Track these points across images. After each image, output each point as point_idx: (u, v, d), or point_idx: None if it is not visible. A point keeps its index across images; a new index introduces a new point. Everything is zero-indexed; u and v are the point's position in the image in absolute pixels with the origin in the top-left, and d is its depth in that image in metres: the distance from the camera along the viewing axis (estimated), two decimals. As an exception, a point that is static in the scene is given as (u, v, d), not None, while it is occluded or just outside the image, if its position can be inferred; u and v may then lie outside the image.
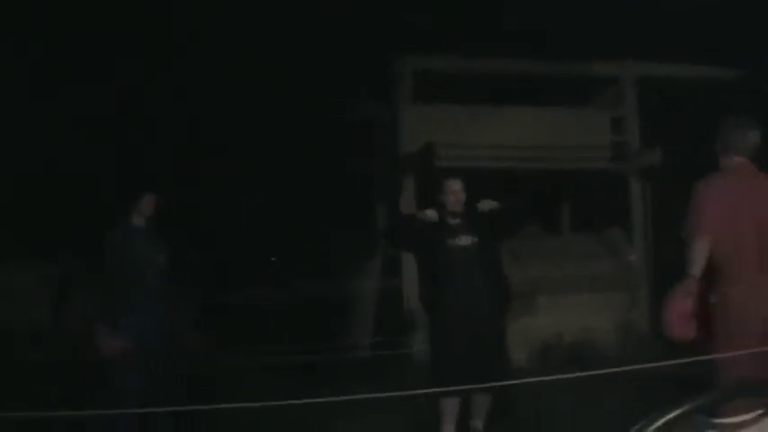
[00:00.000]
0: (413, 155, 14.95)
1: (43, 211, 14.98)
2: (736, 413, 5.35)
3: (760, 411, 5.24)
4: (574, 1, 15.90)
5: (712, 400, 3.74)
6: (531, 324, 13.88)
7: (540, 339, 14.09)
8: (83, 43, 15.13)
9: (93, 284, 7.76)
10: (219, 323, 13.54)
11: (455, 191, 7.98)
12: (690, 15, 15.22)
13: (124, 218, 7.66)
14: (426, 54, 15.52)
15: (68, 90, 15.35)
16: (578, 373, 5.94)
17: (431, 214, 8.10)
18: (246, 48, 15.94)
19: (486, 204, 8.06)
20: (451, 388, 7.19)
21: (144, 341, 7.33)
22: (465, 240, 7.91)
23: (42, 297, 13.55)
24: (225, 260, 16.70)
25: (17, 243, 14.07)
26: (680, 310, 5.69)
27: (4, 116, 14.44)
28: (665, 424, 3.45)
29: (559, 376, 5.64)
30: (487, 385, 7.41)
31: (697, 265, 5.74)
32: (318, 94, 16.16)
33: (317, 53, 16.14)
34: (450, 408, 7.80)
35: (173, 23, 15.73)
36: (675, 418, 3.43)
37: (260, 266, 16.68)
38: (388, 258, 15.04)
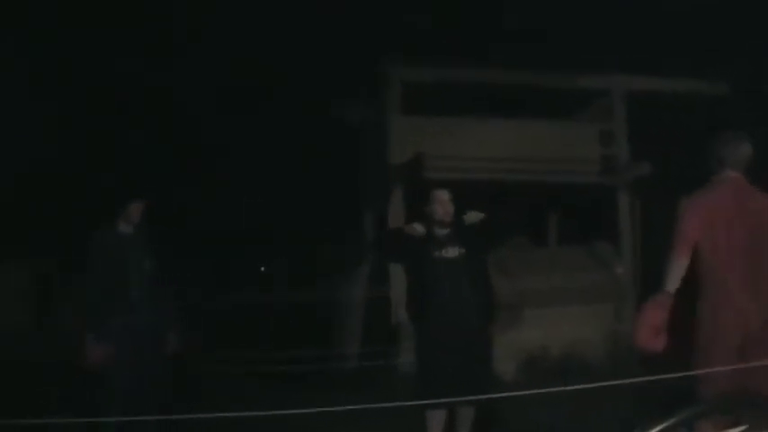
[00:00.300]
0: (402, 165, 14.94)
1: (29, 214, 14.92)
2: (718, 428, 5.33)
3: (743, 427, 5.21)
4: (564, 14, 15.90)
5: (695, 414, 3.72)
6: (519, 336, 13.85)
7: (528, 352, 14.06)
8: (78, 44, 15.10)
9: (79, 290, 7.71)
10: (206, 330, 13.50)
11: (443, 201, 7.91)
12: (679, 28, 15.24)
13: (110, 224, 7.62)
14: (415, 64, 15.51)
15: (64, 93, 15.31)
16: (566, 387, 5.92)
17: (418, 228, 8.02)
18: (236, 58, 15.92)
19: (473, 216, 8.01)
20: (438, 401, 7.16)
21: (129, 347, 7.30)
22: (452, 252, 7.83)
23: (28, 300, 13.52)
24: (212, 267, 16.65)
25: (5, 245, 14.03)
26: (651, 323, 5.72)
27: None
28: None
29: (547, 390, 5.62)
30: (474, 398, 7.24)
31: (673, 281, 5.77)
32: (307, 102, 16.13)
33: (306, 61, 16.11)
34: (437, 420, 7.73)
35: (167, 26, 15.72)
36: (661, 432, 3.40)
37: (247, 274, 16.62)
38: (375, 267, 15.01)
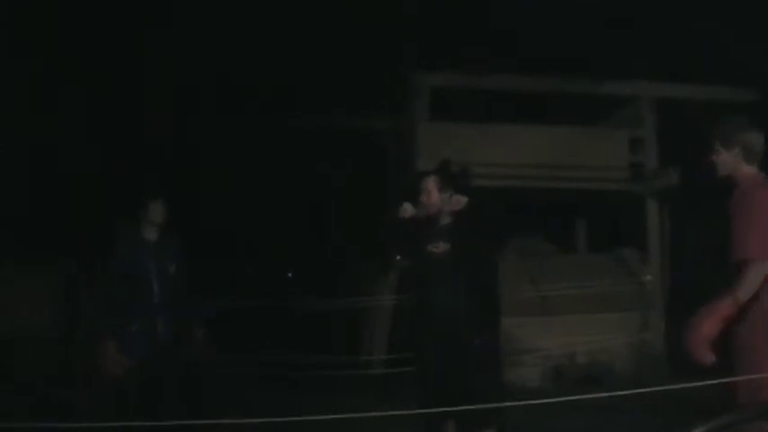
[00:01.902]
0: (429, 172, 14.92)
1: (50, 216, 14.98)
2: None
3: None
4: (595, 21, 15.86)
5: (722, 424, 3.66)
6: (545, 343, 13.84)
7: (554, 359, 14.03)
8: (84, 44, 15.17)
9: (100, 295, 7.73)
10: (230, 334, 13.52)
11: (425, 189, 7.24)
12: (709, 35, 15.17)
13: (134, 227, 7.63)
14: (443, 71, 15.50)
15: (87, 93, 15.38)
16: (591, 395, 5.86)
17: (408, 209, 7.33)
18: (260, 59, 15.94)
19: (455, 202, 7.22)
20: (450, 409, 6.24)
21: (151, 351, 7.31)
22: (440, 247, 7.06)
23: (49, 304, 13.56)
24: (237, 272, 16.69)
25: (24, 248, 14.09)
26: (706, 334, 5.48)
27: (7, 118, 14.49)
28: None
29: (572, 397, 5.55)
30: (501, 405, 6.59)
31: (750, 290, 5.48)
32: (335, 108, 16.14)
33: (333, 67, 16.13)
34: None
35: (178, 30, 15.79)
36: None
37: (273, 279, 16.65)
38: (403, 273, 14.98)
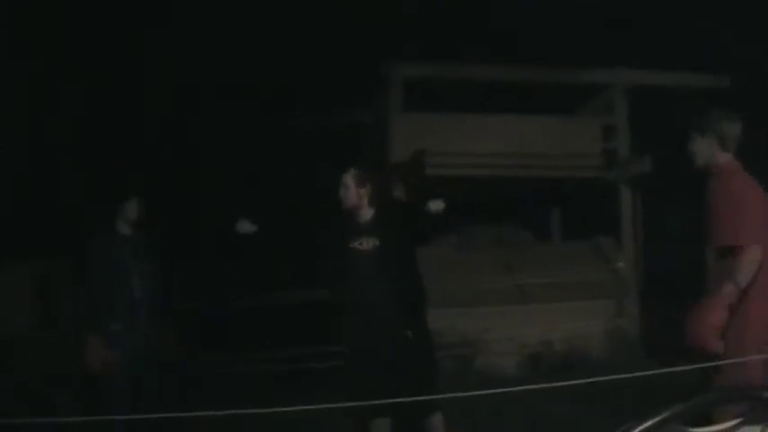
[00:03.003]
0: (402, 162, 14.95)
1: (28, 213, 14.93)
2: (713, 421, 5.26)
3: (738, 420, 5.16)
4: (566, 9, 15.91)
5: (689, 407, 3.69)
6: (522, 332, 13.91)
7: (530, 346, 14.11)
8: (76, 42, 15.12)
9: (80, 292, 7.72)
10: (206, 330, 13.53)
11: (342, 185, 7.03)
12: (681, 23, 15.25)
13: (110, 225, 7.62)
14: (415, 61, 15.52)
15: (60, 92, 15.33)
16: (566, 382, 5.91)
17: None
18: (236, 53, 15.93)
19: (435, 205, 6.95)
20: (437, 397, 6.32)
21: (131, 348, 7.32)
22: (366, 244, 6.91)
23: (28, 302, 13.52)
24: (218, 266, 16.66)
25: (5, 247, 14.04)
26: (715, 323, 5.48)
27: None
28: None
29: (547, 384, 5.60)
30: (486, 392, 6.42)
31: (748, 276, 5.41)
32: (308, 100, 16.13)
33: (306, 59, 16.13)
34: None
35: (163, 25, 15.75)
36: (653, 426, 3.39)
37: (253, 273, 16.61)
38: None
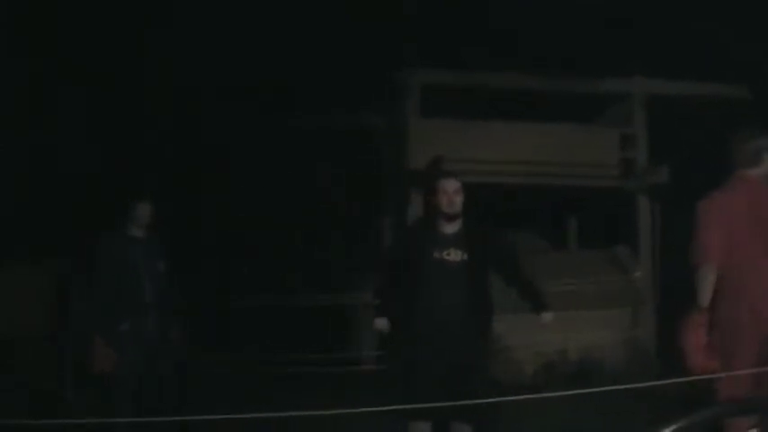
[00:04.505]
0: (420, 168, 14.94)
1: (40, 214, 14.96)
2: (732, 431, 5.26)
3: (755, 430, 5.16)
4: (586, 17, 15.87)
5: (702, 418, 3.68)
6: (537, 340, 13.85)
7: (546, 356, 14.05)
8: (84, 42, 15.14)
9: (91, 293, 7.73)
10: (217, 332, 13.54)
11: (447, 192, 7.03)
12: (700, 33, 15.18)
13: (121, 226, 7.64)
14: (434, 68, 15.51)
15: (74, 92, 15.35)
16: (582, 390, 5.89)
17: (380, 324, 7.14)
18: (250, 55, 15.92)
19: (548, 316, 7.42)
20: (457, 402, 6.32)
21: (140, 349, 7.34)
22: (455, 255, 6.96)
23: (39, 302, 13.56)
24: (225, 269, 16.66)
25: (16, 246, 14.08)
26: (696, 343, 5.54)
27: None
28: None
29: (562, 393, 5.58)
30: (492, 400, 6.54)
31: (705, 295, 5.58)
32: (326, 105, 16.12)
33: (323, 64, 16.12)
34: None
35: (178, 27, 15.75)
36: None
37: (261, 276, 16.61)
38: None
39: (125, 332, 7.36)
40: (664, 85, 16.08)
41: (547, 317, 7.01)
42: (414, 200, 15.05)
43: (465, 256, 6.96)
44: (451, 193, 7.03)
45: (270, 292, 15.75)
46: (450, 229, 7.07)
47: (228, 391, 11.20)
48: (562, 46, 15.87)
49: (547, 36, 15.79)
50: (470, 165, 14.48)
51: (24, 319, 12.86)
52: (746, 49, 14.73)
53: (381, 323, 7.05)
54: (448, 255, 6.96)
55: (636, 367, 13.79)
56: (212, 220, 16.47)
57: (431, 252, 6.96)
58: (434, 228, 7.10)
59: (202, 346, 12.16)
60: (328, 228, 17.26)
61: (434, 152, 14.71)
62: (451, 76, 15.52)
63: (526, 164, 15.12)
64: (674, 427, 3.42)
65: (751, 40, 14.51)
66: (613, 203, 16.26)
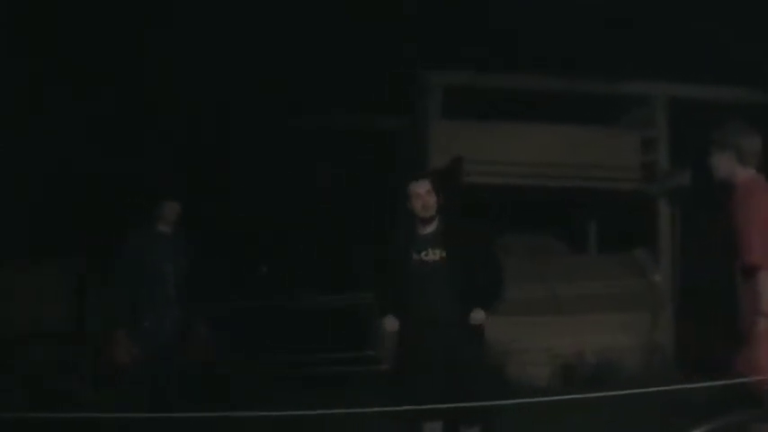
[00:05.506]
0: (440, 169, 14.94)
1: (66, 212, 15.04)
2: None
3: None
4: (608, 20, 15.84)
5: (725, 425, 3.64)
6: (555, 342, 13.84)
7: (564, 358, 14.03)
8: (110, 42, 15.21)
9: (114, 288, 7.78)
10: (238, 330, 13.56)
11: (418, 195, 6.94)
12: (723, 37, 15.14)
13: (149, 224, 7.70)
14: (456, 69, 15.50)
15: (96, 92, 15.42)
16: (599, 393, 5.86)
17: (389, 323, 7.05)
18: (272, 56, 15.95)
19: (477, 316, 6.90)
20: (465, 404, 6.28)
21: (162, 345, 7.38)
22: (432, 255, 6.94)
23: (64, 298, 13.63)
24: (237, 272, 16.68)
25: (39, 243, 14.17)
26: (762, 363, 5.27)
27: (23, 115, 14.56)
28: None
29: (580, 395, 5.54)
30: (507, 402, 6.92)
31: None
32: (346, 106, 16.14)
33: (344, 65, 16.14)
34: None
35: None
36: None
37: (281, 275, 16.62)
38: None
39: (146, 326, 7.41)
40: (686, 88, 16.03)
41: (476, 317, 6.80)
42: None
43: (442, 255, 6.92)
44: (422, 195, 6.95)
45: (298, 292, 15.72)
46: (428, 229, 7.03)
47: (253, 390, 11.26)
48: (584, 48, 15.84)
49: (569, 38, 15.78)
50: (490, 166, 14.50)
51: (46, 316, 12.96)
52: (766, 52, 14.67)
53: (390, 322, 7.02)
54: (426, 255, 6.94)
55: (654, 371, 13.77)
56: (235, 219, 16.50)
57: (411, 253, 6.97)
58: (414, 229, 7.07)
59: (228, 344, 12.22)
60: (347, 229, 17.26)
61: (455, 153, 14.73)
62: (472, 78, 15.50)
63: (547, 166, 15.11)
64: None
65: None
66: (634, 207, 16.21)
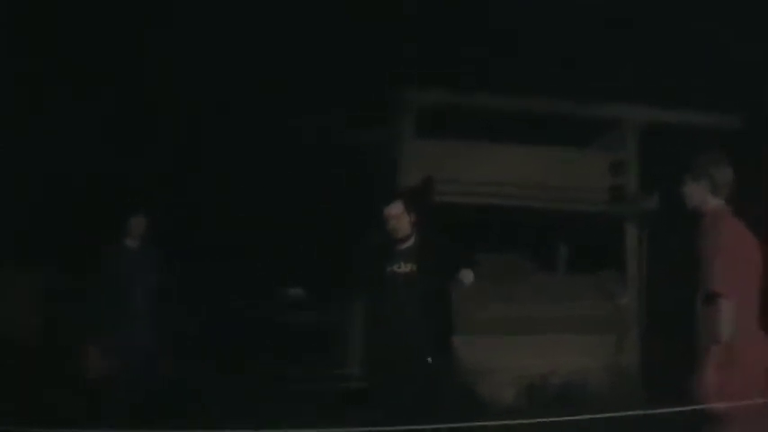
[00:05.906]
0: (412, 188, 14.94)
1: (34, 220, 14.92)
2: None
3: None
4: (580, 42, 15.92)
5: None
6: (520, 363, 13.86)
7: (528, 379, 14.06)
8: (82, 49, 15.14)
9: (83, 302, 7.76)
10: (210, 343, 13.50)
11: (391, 217, 7.35)
12: (692, 60, 15.25)
13: (116, 238, 7.69)
14: (428, 88, 15.53)
15: (71, 101, 15.32)
16: (564, 417, 5.87)
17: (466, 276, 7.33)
18: (245, 70, 15.93)
19: (466, 276, 7.31)
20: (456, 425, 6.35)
21: (132, 359, 7.36)
22: (404, 267, 7.26)
23: (33, 312, 13.53)
24: (220, 281, 16.61)
25: (8, 252, 14.05)
26: (716, 383, 5.34)
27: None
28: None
29: (543, 419, 5.56)
30: (484, 424, 6.88)
31: (728, 329, 5.32)
32: (317, 123, 16.13)
33: (317, 82, 16.12)
34: None
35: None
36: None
37: (256, 289, 16.57)
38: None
39: (117, 342, 7.39)
40: (656, 112, 16.14)
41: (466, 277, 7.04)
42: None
43: (414, 268, 7.24)
44: (393, 218, 7.33)
45: (270, 304, 15.67)
46: (404, 245, 7.39)
47: (225, 404, 11.20)
48: (558, 70, 15.90)
49: (543, 60, 15.83)
50: (460, 186, 14.53)
51: (14, 329, 12.85)
52: (738, 78, 14.79)
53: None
54: (398, 267, 7.25)
55: (618, 393, 13.81)
56: (209, 233, 16.42)
57: (385, 267, 7.31)
58: (391, 245, 7.40)
59: (199, 358, 12.18)
60: (321, 245, 17.23)
61: (425, 173, 14.75)
62: (446, 97, 15.53)
63: (516, 186, 15.16)
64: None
65: (743, 70, 14.58)
66: (602, 229, 16.28)
